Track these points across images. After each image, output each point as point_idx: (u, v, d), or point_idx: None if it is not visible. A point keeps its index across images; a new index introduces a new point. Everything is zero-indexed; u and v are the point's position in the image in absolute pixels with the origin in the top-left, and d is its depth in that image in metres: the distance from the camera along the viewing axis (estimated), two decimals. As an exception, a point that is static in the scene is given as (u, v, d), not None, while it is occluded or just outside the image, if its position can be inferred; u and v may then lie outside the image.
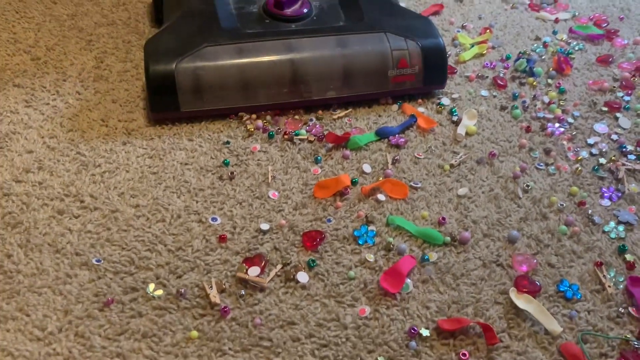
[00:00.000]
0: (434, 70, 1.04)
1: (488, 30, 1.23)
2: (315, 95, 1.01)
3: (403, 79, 1.03)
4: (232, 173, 0.90)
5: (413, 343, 0.71)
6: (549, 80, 1.12)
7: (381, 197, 0.88)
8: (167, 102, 0.96)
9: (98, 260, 0.77)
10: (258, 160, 0.93)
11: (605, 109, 1.06)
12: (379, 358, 0.69)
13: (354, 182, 0.90)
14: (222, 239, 0.81)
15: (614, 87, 1.11)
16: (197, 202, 0.86)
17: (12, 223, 0.81)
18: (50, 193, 0.86)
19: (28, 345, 0.69)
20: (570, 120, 1.03)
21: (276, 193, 0.88)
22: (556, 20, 1.28)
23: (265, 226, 0.83)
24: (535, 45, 1.20)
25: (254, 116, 1.00)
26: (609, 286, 0.78)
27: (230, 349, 0.70)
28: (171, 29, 1.02)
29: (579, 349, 0.71)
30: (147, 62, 0.95)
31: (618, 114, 1.05)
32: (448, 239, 0.83)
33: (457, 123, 1.02)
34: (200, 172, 0.91)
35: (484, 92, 1.08)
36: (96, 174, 0.89)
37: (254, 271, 0.77)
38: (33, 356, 0.67)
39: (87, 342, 0.69)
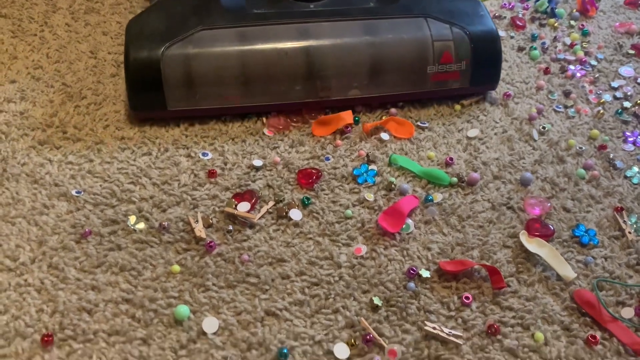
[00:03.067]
0: (485, 67, 0.83)
1: (507, -30, 1.14)
2: (334, 95, 0.82)
3: (445, 77, 0.83)
4: (225, 108, 0.84)
5: (411, 284, 0.65)
6: (572, 22, 1.04)
7: (385, 136, 0.82)
8: (151, 98, 0.79)
9: (78, 192, 0.72)
10: (254, 95, 0.87)
11: (632, 52, 0.98)
12: (374, 298, 0.63)
13: (356, 120, 0.84)
14: (211, 174, 0.76)
15: (643, 30, 1.02)
16: (186, 136, 0.81)
17: (-11, 152, 0.77)
18: (32, 123, 0.81)
19: (-2, 275, 0.64)
20: (593, 62, 0.96)
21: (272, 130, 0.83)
22: (582, -38, 1.19)
23: (258, 162, 0.77)
24: (558, -14, 1.12)
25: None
26: (630, 232, 0.72)
27: (214, 284, 0.64)
28: (160, 7, 0.84)
29: (593, 296, 0.65)
30: (128, 47, 0.78)
31: (646, 58, 0.97)
32: (455, 179, 0.76)
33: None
34: (191, 106, 0.85)
35: (501, 33, 1.01)
36: (81, 106, 0.84)
37: (243, 207, 0.71)
38: (2, 286, 0.63)
39: (60, 274, 0.64)
